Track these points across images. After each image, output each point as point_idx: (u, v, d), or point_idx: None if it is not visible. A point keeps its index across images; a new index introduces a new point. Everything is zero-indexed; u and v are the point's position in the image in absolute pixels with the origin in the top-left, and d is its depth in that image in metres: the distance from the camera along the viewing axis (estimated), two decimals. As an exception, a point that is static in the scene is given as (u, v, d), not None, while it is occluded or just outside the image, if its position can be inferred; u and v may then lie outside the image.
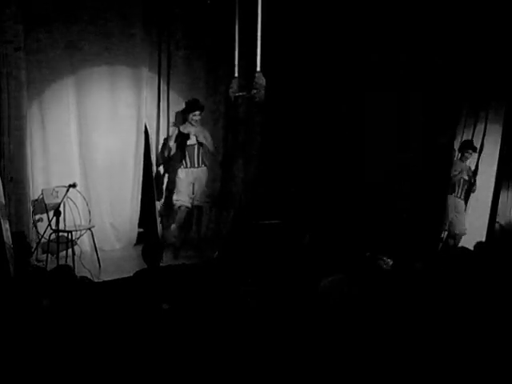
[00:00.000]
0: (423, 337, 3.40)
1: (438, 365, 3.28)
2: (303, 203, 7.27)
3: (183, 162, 6.57)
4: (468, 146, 6.69)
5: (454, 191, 6.81)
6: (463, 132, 6.75)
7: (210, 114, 7.12)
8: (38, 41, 5.87)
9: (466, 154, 6.69)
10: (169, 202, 6.81)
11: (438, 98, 6.64)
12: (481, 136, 6.64)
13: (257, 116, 7.21)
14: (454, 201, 6.82)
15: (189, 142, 6.52)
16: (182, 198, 6.60)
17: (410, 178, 6.93)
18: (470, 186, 6.79)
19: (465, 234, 6.73)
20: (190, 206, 6.66)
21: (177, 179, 6.63)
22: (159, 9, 6.54)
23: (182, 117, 6.70)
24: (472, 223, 6.76)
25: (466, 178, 6.77)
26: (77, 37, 6.10)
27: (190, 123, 6.51)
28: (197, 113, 6.49)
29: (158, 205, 6.96)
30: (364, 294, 3.82)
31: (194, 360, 3.37)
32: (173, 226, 6.72)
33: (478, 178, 6.74)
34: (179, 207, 6.62)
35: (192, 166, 6.58)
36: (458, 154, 6.83)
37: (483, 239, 6.10)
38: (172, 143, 6.58)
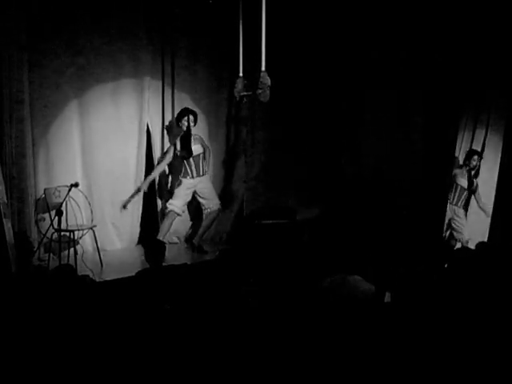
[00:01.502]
0: (425, 337, 3.41)
1: (439, 364, 3.30)
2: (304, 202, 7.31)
3: (188, 172, 6.59)
4: (472, 154, 6.60)
5: (450, 198, 6.74)
6: (464, 132, 6.73)
7: (213, 113, 7.14)
8: (40, 53, 5.91)
9: (472, 161, 6.57)
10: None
11: (438, 96, 6.63)
12: (482, 137, 6.61)
13: (260, 115, 7.21)
14: (451, 208, 6.76)
15: (194, 153, 6.55)
16: (177, 203, 6.61)
17: (410, 175, 6.93)
18: (469, 196, 6.72)
19: (466, 243, 6.69)
20: (180, 213, 6.68)
21: (177, 186, 6.66)
22: (160, 10, 6.53)
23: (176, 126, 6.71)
24: (473, 225, 6.74)
25: (465, 186, 6.65)
26: (77, 43, 6.13)
27: (183, 131, 6.51)
28: (185, 118, 6.47)
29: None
30: (366, 294, 3.83)
31: (196, 360, 3.38)
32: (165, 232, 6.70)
33: (479, 181, 6.70)
34: (169, 211, 6.62)
35: (198, 175, 6.61)
36: (464, 167, 6.69)
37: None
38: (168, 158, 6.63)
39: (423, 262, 4.69)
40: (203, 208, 6.81)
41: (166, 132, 6.91)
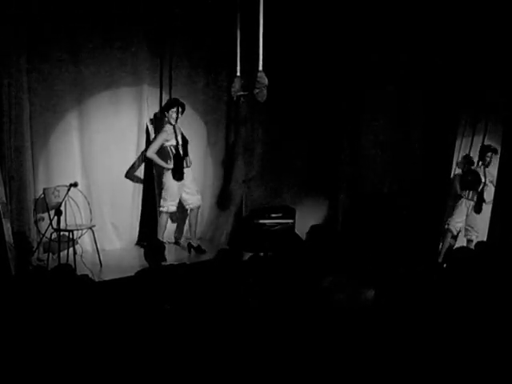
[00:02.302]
0: (425, 337, 3.41)
1: (439, 364, 3.29)
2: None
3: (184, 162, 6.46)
4: (486, 150, 6.54)
5: (465, 195, 6.64)
6: (464, 132, 6.73)
7: (212, 113, 7.12)
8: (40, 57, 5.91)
9: (486, 158, 6.52)
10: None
11: (438, 98, 6.64)
12: (481, 137, 6.61)
13: (259, 115, 7.20)
14: (467, 203, 6.67)
15: (182, 142, 6.44)
16: (170, 202, 6.49)
17: (410, 175, 6.93)
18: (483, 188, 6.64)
19: (468, 241, 6.65)
20: (175, 210, 6.61)
21: (168, 182, 6.47)
22: (159, 9, 6.51)
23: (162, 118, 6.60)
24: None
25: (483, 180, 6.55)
26: (77, 45, 6.13)
27: (169, 122, 6.41)
28: (174, 109, 6.36)
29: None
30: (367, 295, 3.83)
31: (196, 360, 3.37)
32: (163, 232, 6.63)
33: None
34: (165, 212, 6.52)
35: (187, 165, 6.49)
36: (478, 162, 6.61)
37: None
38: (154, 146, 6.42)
39: (423, 262, 4.70)
40: (185, 204, 6.68)
41: (151, 123, 6.75)
